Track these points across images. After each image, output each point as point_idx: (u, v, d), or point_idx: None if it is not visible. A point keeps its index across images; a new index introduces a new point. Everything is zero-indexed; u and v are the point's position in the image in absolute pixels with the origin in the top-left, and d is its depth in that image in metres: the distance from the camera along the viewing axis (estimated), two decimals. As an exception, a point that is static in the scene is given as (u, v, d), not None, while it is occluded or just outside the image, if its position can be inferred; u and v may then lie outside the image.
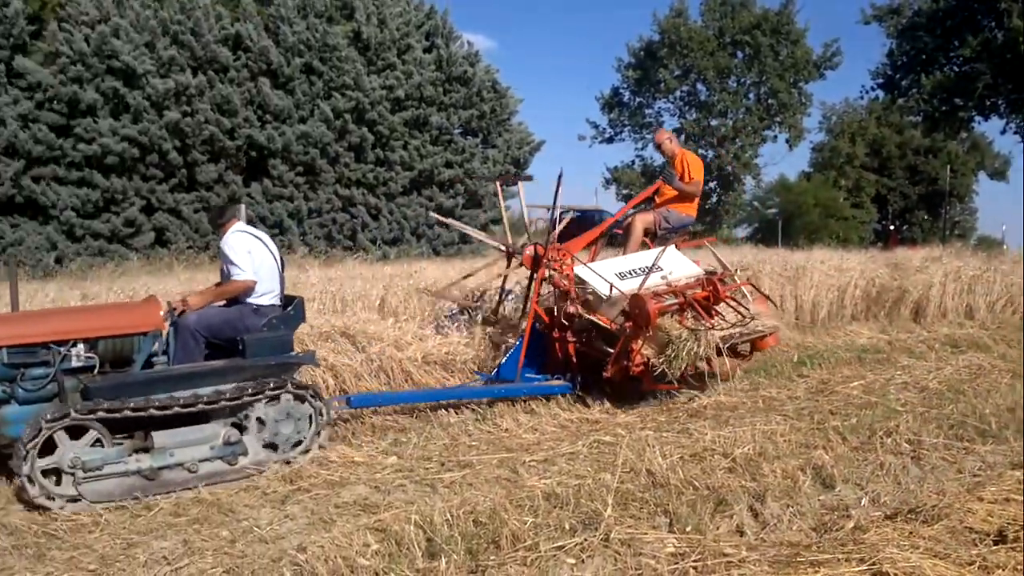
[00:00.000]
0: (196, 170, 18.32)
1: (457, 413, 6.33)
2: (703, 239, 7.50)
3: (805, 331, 9.98)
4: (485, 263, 8.11)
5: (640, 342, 6.12)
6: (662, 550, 3.66)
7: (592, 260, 7.18)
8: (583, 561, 3.63)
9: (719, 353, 6.36)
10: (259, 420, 5.14)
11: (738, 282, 6.95)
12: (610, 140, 43.41)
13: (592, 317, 6.38)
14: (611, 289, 6.30)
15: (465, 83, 21.95)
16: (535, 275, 6.97)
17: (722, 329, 6.36)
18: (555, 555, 3.67)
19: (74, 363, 4.91)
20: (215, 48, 18.34)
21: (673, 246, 6.98)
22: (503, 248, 7.67)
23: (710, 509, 4.12)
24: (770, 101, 41.13)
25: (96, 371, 4.96)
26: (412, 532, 3.85)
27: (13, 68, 16.61)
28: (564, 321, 6.66)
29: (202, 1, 18.35)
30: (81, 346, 4.93)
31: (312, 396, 5.33)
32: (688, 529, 3.88)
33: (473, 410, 6.38)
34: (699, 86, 41.41)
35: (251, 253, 5.42)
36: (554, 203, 7.35)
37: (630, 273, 6.55)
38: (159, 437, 4.82)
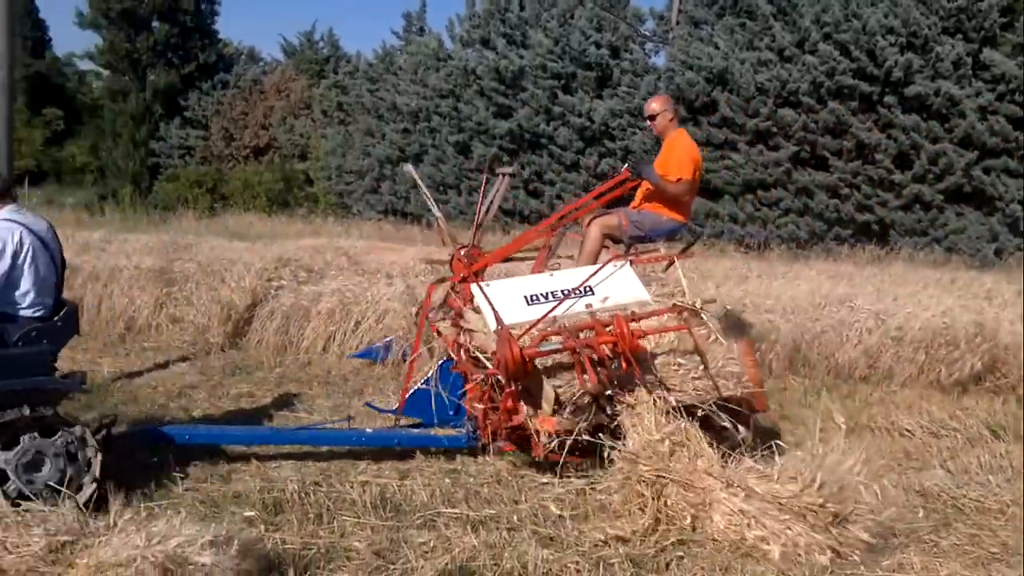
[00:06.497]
0: None
1: None
2: (672, 253, 5.61)
3: None
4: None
5: (512, 395, 4.67)
6: None
7: (536, 271, 5.77)
8: None
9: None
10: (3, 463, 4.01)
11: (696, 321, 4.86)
12: None
13: (476, 352, 5.02)
14: (495, 318, 4.81)
15: None
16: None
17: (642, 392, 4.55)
18: None
19: None
20: None
21: (628, 263, 5.39)
22: (445, 243, 6.18)
23: None
24: None
25: None
26: None
27: (980, 60, 16.95)
28: (452, 353, 5.51)
29: None
30: None
31: (80, 438, 4.04)
32: None
33: None
34: None
35: (5, 249, 4.17)
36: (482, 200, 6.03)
37: (546, 296, 5.04)
38: None
